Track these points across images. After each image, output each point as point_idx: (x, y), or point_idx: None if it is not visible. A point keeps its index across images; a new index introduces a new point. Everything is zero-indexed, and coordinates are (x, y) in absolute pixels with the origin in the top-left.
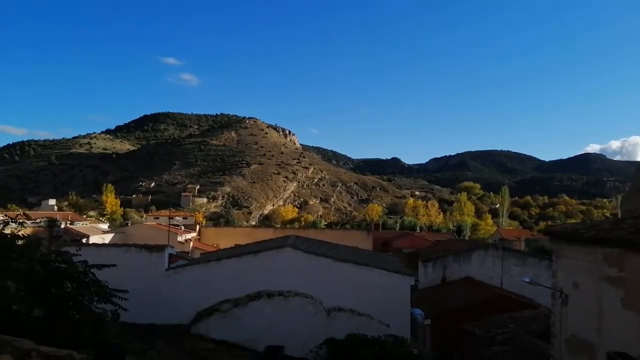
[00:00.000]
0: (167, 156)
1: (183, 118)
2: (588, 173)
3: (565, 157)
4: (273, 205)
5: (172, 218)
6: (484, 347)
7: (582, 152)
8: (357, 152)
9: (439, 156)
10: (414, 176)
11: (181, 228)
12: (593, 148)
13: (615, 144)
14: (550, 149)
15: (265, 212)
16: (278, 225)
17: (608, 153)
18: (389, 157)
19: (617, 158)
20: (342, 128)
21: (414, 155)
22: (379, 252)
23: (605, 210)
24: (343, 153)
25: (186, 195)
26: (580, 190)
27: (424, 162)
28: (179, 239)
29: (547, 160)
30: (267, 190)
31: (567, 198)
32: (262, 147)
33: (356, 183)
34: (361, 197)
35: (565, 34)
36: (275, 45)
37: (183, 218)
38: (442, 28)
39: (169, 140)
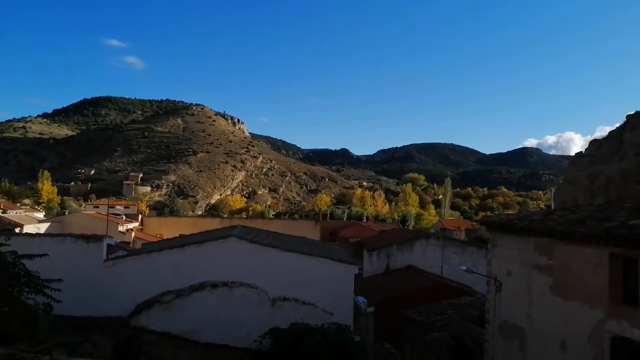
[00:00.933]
0: (108, 142)
1: (126, 103)
2: (525, 166)
3: (504, 150)
4: (220, 194)
5: (113, 207)
6: (424, 333)
7: (520, 147)
8: (307, 142)
9: (386, 148)
10: (362, 167)
11: (122, 217)
12: (531, 142)
13: (551, 139)
14: (491, 142)
15: (212, 201)
16: (225, 215)
17: (544, 147)
18: (338, 148)
19: (553, 152)
20: (292, 118)
21: (363, 146)
22: (327, 241)
23: (540, 202)
24: (293, 143)
25: (128, 184)
26: (518, 182)
27: (372, 154)
28: (120, 228)
29: (487, 153)
30: (214, 179)
31: (506, 190)
32: (209, 135)
33: (305, 173)
34: (310, 187)
35: (504, 27)
36: (226, 31)
37: (125, 207)
38: (388, 16)
39: (110, 125)
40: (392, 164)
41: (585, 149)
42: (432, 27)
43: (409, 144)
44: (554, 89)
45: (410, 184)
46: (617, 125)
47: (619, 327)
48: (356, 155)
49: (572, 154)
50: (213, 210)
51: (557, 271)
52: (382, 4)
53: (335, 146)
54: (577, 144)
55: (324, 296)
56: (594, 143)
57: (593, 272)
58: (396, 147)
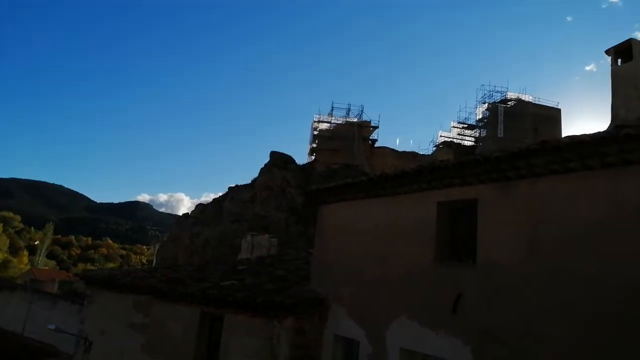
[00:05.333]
0: None
1: None
2: (135, 220)
3: (116, 201)
4: None
5: None
6: None
7: (133, 199)
8: None
9: None
10: None
11: None
12: (144, 197)
13: (163, 197)
14: (104, 191)
15: None
16: None
17: (155, 204)
18: None
19: (163, 210)
20: None
21: None
22: None
23: (144, 257)
24: None
25: None
26: (125, 235)
27: None
28: None
29: (98, 201)
30: None
31: (111, 242)
32: None
33: None
34: None
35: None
36: None
37: None
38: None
39: None
40: None
41: (192, 211)
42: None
43: (8, 177)
44: (174, 150)
45: (2, 223)
46: (220, 194)
47: None
48: None
49: (180, 214)
50: None
51: (152, 330)
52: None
53: None
54: (185, 205)
55: None
56: (199, 207)
57: (184, 330)
58: None
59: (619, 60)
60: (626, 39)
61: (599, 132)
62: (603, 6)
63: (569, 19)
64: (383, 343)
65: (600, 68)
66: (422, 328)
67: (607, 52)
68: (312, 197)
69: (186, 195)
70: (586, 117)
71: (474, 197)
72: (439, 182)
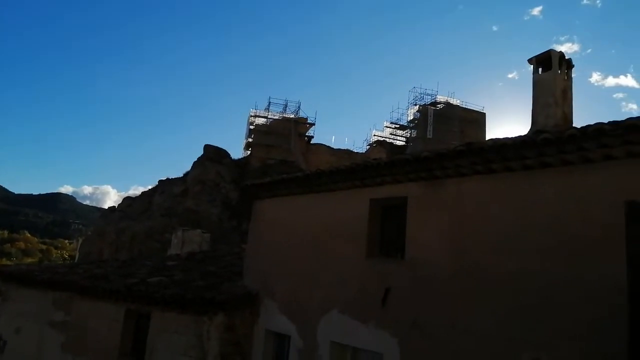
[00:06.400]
0: None
1: None
2: (56, 213)
3: (36, 192)
4: None
5: None
6: None
7: (55, 191)
8: None
9: None
10: None
11: None
12: (67, 189)
13: (87, 189)
14: (23, 182)
15: None
16: None
17: (79, 197)
18: None
19: (87, 202)
20: None
21: None
22: None
23: (66, 252)
24: None
25: None
26: (45, 228)
27: None
28: None
29: (17, 192)
30: None
31: (29, 235)
32: None
33: None
34: None
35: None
36: None
37: None
38: None
39: None
40: None
41: (119, 204)
42: None
43: None
44: (104, 140)
45: None
46: (150, 187)
47: None
48: None
49: (106, 207)
50: None
51: (73, 328)
52: None
53: None
54: (112, 198)
55: None
56: (127, 200)
57: (108, 328)
58: None
59: (540, 70)
60: (546, 49)
61: (520, 136)
62: (525, 18)
63: (494, 28)
64: (314, 337)
65: (521, 76)
66: (352, 321)
67: (530, 61)
68: (247, 192)
69: (113, 187)
70: (508, 121)
71: (404, 195)
72: (372, 180)
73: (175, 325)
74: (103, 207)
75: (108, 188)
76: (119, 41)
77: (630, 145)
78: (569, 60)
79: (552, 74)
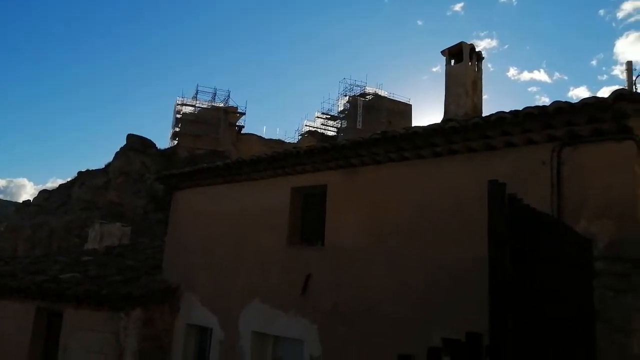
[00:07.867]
0: None
1: None
2: None
3: None
4: None
5: None
6: None
7: None
8: None
9: None
10: None
11: None
12: None
13: (0, 182)
14: None
15: None
16: None
17: None
18: None
19: (0, 197)
20: None
21: None
22: None
23: None
24: None
25: None
26: None
27: None
28: None
29: None
30: None
31: None
32: None
33: None
34: None
35: None
36: None
37: None
38: None
39: None
40: None
41: (34, 198)
42: None
43: None
44: (14, 129)
45: None
46: (69, 179)
47: None
48: None
49: (21, 201)
50: None
51: None
52: None
53: None
54: (28, 191)
55: None
56: (43, 193)
57: (17, 329)
58: None
59: (452, 61)
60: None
61: (430, 125)
62: (448, 14)
63: (419, 22)
64: (235, 328)
65: (443, 70)
66: (273, 310)
67: (443, 52)
68: (167, 182)
69: (29, 180)
70: (432, 112)
71: (324, 183)
72: (292, 169)
73: (90, 323)
74: (18, 201)
75: (23, 181)
76: (33, 27)
77: (529, 133)
78: (479, 53)
79: (463, 65)
